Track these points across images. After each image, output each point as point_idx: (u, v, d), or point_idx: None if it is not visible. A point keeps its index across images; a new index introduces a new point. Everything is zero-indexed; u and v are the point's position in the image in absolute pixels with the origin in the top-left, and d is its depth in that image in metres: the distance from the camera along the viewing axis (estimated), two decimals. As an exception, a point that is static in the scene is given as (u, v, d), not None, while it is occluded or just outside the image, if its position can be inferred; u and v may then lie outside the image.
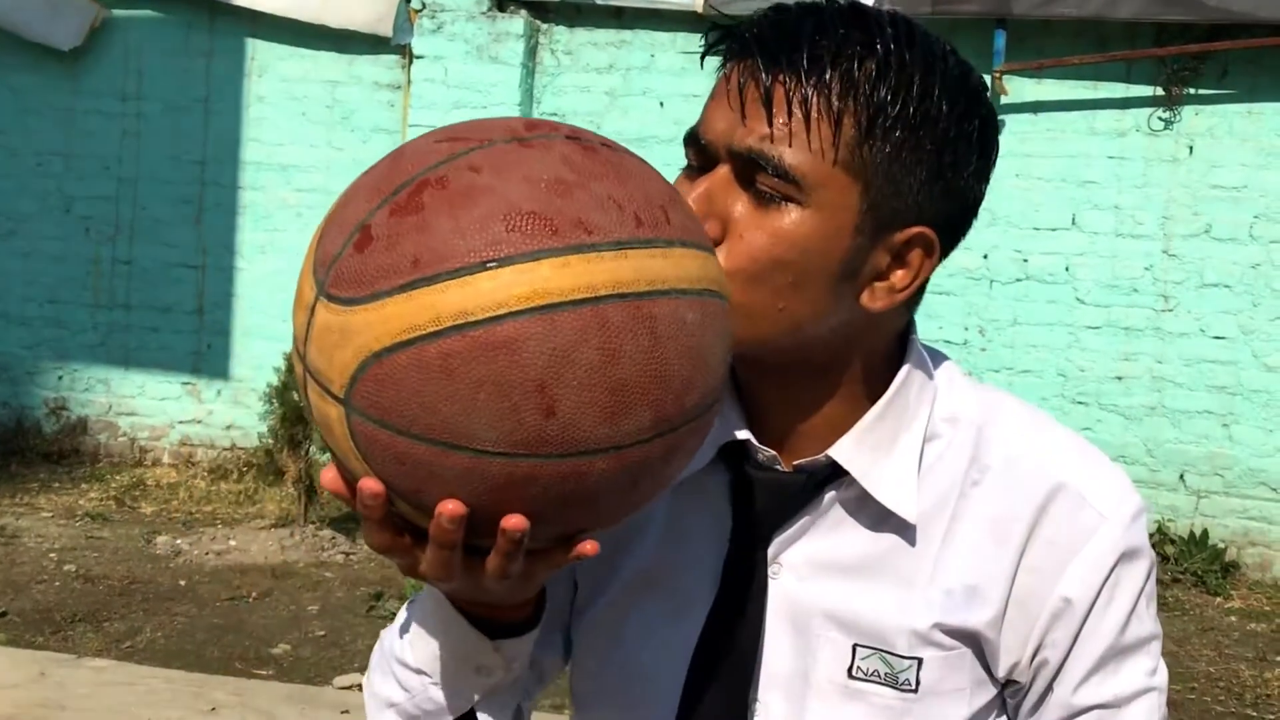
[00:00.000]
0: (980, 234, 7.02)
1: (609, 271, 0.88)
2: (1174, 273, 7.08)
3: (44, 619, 5.40)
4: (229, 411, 8.12)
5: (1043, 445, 1.19)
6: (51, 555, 6.26)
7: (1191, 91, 7.04)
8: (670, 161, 7.39)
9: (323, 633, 5.42)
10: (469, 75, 7.57)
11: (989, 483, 1.17)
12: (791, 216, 1.06)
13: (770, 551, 1.18)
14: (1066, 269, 7.18)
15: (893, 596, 1.16)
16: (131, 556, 6.32)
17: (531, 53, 7.66)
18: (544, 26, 7.70)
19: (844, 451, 1.15)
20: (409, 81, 7.73)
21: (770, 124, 1.06)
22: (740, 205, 1.07)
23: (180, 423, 8.20)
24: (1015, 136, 7.15)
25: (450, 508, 0.89)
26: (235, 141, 8.05)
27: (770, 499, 1.18)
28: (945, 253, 1.14)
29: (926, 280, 1.14)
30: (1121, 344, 7.14)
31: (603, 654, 1.26)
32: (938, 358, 1.23)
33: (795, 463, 1.17)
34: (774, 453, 1.17)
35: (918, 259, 1.12)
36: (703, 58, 1.16)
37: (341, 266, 0.90)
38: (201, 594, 5.84)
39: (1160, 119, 7.09)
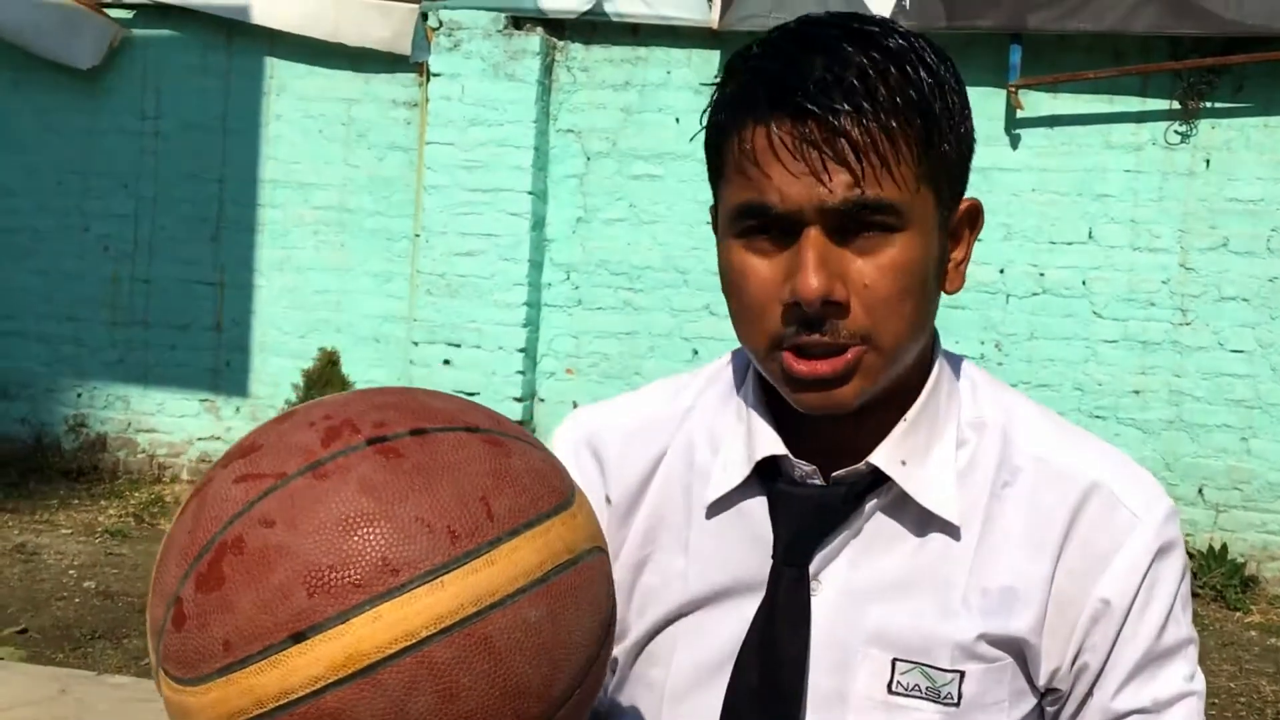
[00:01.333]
0: (996, 248, 7.02)
1: (425, 610, 0.84)
2: (1191, 286, 7.06)
3: (64, 636, 5.42)
4: (247, 428, 8.10)
5: (1070, 445, 1.19)
6: (71, 572, 6.29)
7: (1208, 105, 7.03)
8: (685, 178, 7.39)
9: (341, 649, 5.43)
10: (485, 93, 7.60)
11: (1020, 484, 1.17)
12: (898, 245, 1.07)
13: (811, 568, 1.17)
14: (1083, 283, 7.17)
15: (934, 606, 1.15)
16: (150, 573, 6.33)
17: (548, 70, 7.68)
18: (560, 44, 7.73)
19: (883, 458, 1.15)
20: (426, 99, 7.76)
21: (858, 171, 1.05)
22: (847, 259, 1.07)
23: (199, 439, 8.23)
24: (1031, 151, 7.15)
25: None
26: (253, 160, 8.09)
27: (810, 515, 1.17)
28: None
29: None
30: (1139, 358, 7.12)
31: (641, 676, 1.25)
32: (955, 360, 1.24)
33: (834, 474, 1.16)
34: (814, 467, 1.16)
35: (966, 229, 1.16)
36: (711, 148, 1.14)
37: (168, 642, 0.88)
38: (220, 610, 5.85)
39: (1177, 132, 7.08)
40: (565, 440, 1.31)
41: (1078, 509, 1.15)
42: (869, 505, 1.16)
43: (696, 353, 7.46)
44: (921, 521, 1.16)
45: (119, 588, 6.07)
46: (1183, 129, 7.06)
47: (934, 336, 1.20)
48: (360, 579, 0.84)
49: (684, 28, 7.49)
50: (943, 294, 1.16)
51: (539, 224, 7.68)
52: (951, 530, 1.15)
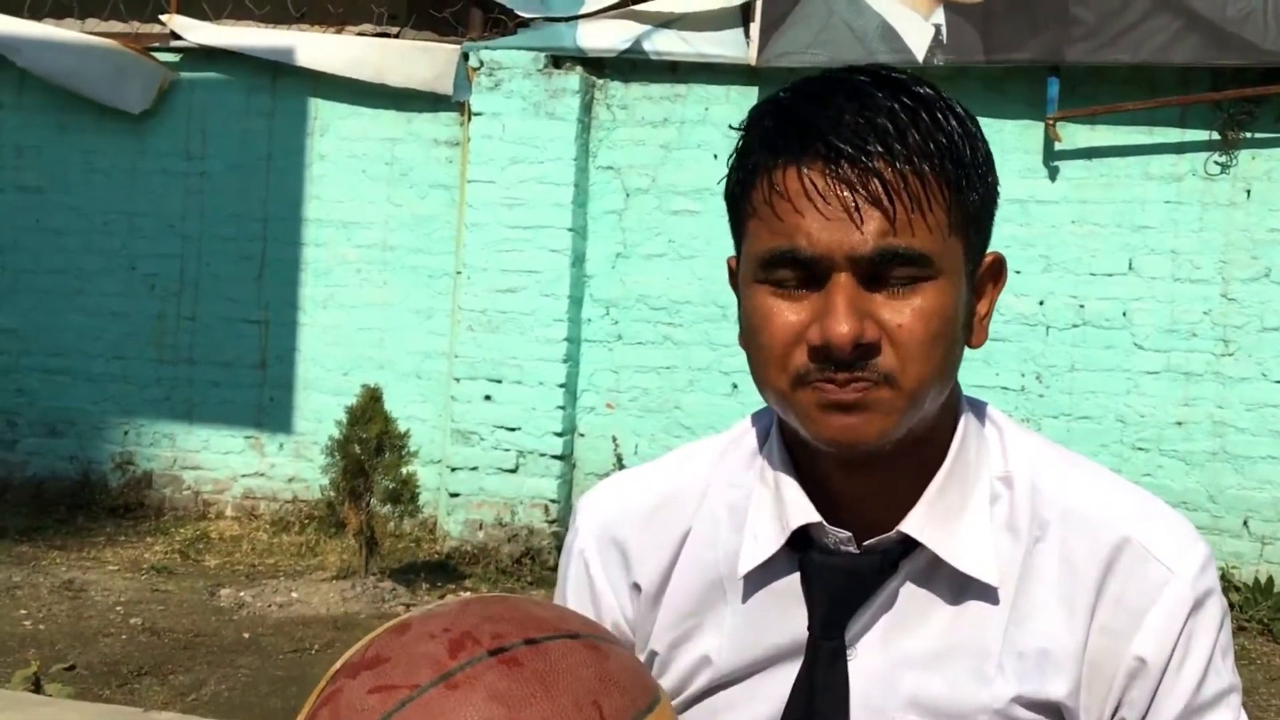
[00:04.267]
0: (1036, 280, 7.01)
1: None
2: (1234, 317, 7.03)
3: (111, 672, 5.47)
4: (291, 464, 8.21)
5: (1099, 493, 1.18)
6: (118, 608, 6.34)
7: (1248, 135, 7.02)
8: (724, 213, 7.47)
9: (384, 684, 5.44)
10: (526, 131, 7.67)
11: (1051, 538, 1.15)
12: (929, 292, 1.07)
13: (847, 637, 1.16)
14: (1124, 314, 7.14)
15: (970, 672, 1.14)
16: (196, 609, 6.39)
17: (587, 108, 7.75)
18: (599, 82, 7.79)
19: (915, 525, 1.14)
20: (467, 138, 7.84)
21: (892, 218, 1.05)
22: (879, 303, 1.07)
23: (243, 476, 8.30)
24: (1070, 183, 7.15)
25: None
26: (297, 199, 8.19)
27: (844, 583, 1.15)
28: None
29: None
30: (1181, 389, 7.09)
31: None
32: (979, 407, 1.22)
33: (866, 543, 1.14)
34: (849, 534, 1.15)
35: (990, 283, 1.16)
36: (738, 189, 1.14)
37: None
38: (265, 646, 5.89)
39: (1216, 163, 7.06)
40: (587, 532, 1.30)
41: (1109, 565, 1.14)
42: (903, 572, 1.15)
43: (736, 386, 7.47)
44: (956, 584, 1.15)
45: (165, 624, 6.12)
46: (1222, 159, 7.05)
47: (957, 392, 1.18)
48: None
49: (722, 65, 7.54)
50: (966, 347, 1.15)
51: (579, 260, 7.73)
52: (987, 592, 1.14)
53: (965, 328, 1.12)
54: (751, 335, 1.13)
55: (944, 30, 7.06)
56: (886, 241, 1.04)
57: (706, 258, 7.58)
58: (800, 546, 1.17)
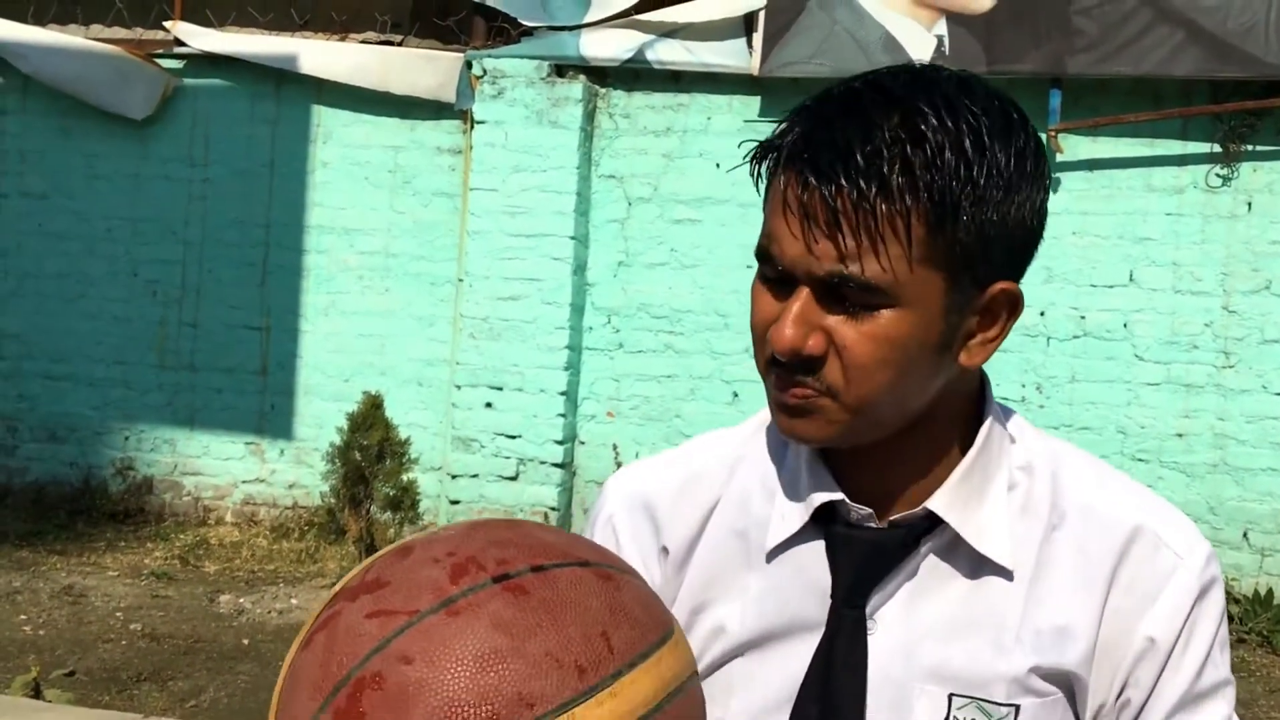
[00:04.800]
0: (1037, 290, 7.01)
1: None
2: (1235, 329, 7.03)
3: (110, 678, 5.47)
4: (291, 471, 8.22)
5: (1115, 490, 1.22)
6: (118, 614, 6.35)
7: (1249, 148, 7.02)
8: (726, 222, 7.41)
9: (384, 691, 5.44)
10: (529, 139, 7.68)
11: (1068, 527, 1.20)
12: (886, 318, 1.09)
13: (868, 609, 1.19)
14: (1125, 325, 7.15)
15: (988, 644, 1.17)
16: (196, 615, 6.39)
17: (590, 116, 7.76)
18: (602, 91, 7.81)
19: (941, 503, 1.17)
20: (470, 146, 7.85)
21: (844, 247, 1.06)
22: (833, 318, 1.10)
23: (244, 482, 8.30)
24: (1071, 194, 7.16)
25: None
26: (299, 206, 8.20)
27: (869, 557, 1.19)
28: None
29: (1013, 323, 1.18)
30: (1182, 401, 7.09)
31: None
32: (1006, 412, 1.26)
33: (892, 518, 1.18)
34: (870, 510, 1.18)
35: (1003, 310, 1.15)
36: (755, 178, 1.16)
37: None
38: (264, 653, 5.89)
39: (1218, 175, 7.07)
40: (616, 499, 1.32)
41: (1123, 551, 1.18)
42: (924, 548, 1.19)
43: (737, 395, 7.48)
44: (975, 563, 1.19)
45: (165, 630, 6.13)
46: (1224, 172, 7.06)
47: (984, 386, 1.23)
48: (498, 713, 0.87)
49: (725, 74, 7.55)
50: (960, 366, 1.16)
51: (580, 268, 7.74)
52: (1004, 573, 1.18)
53: (942, 349, 1.13)
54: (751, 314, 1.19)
55: (946, 41, 7.07)
56: (837, 267, 1.07)
57: (708, 267, 7.59)
58: (824, 521, 1.21)
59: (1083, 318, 7.19)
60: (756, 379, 1.23)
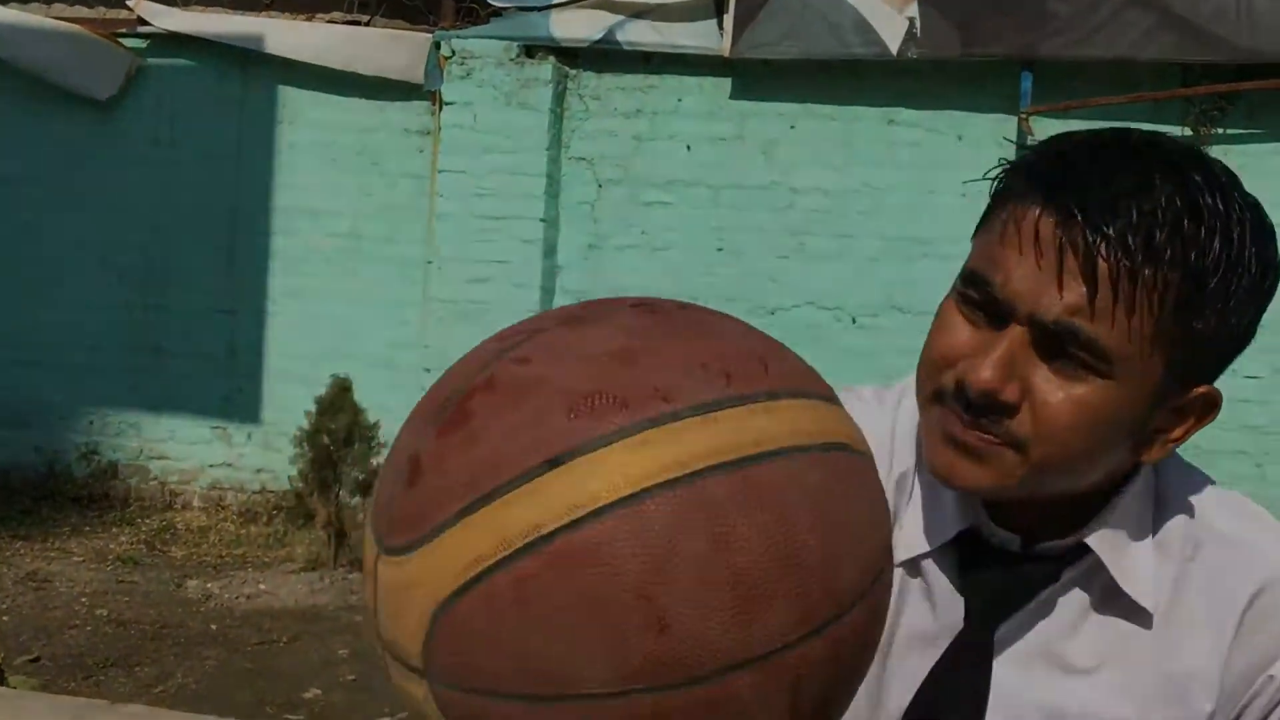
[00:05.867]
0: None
1: (700, 441, 0.74)
2: (1204, 313, 7.05)
3: (76, 664, 5.42)
4: (259, 455, 8.16)
5: (1250, 534, 1.17)
6: (83, 599, 6.29)
7: (1220, 131, 7.04)
8: (696, 205, 7.36)
9: (353, 677, 5.42)
10: (498, 121, 7.63)
11: (1201, 559, 1.15)
12: (1093, 386, 1.02)
13: (996, 636, 1.15)
14: (1096, 309, 7.16)
15: (1114, 687, 1.14)
16: (162, 600, 6.34)
17: (560, 98, 7.71)
18: (572, 72, 7.76)
19: (1096, 538, 1.12)
20: (439, 127, 7.79)
21: (1091, 299, 0.99)
22: (1040, 371, 1.03)
23: (210, 466, 8.24)
24: (1043, 177, 7.16)
25: None
26: (267, 188, 8.13)
27: (1007, 583, 1.14)
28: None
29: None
30: (1152, 384, 7.11)
31: None
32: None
33: (1040, 546, 1.14)
34: (1016, 537, 1.14)
35: (1194, 414, 1.10)
36: (995, 198, 1.08)
37: (395, 510, 0.77)
38: (232, 638, 5.85)
39: (1188, 159, 7.08)
40: None
41: (1255, 596, 1.13)
42: (1064, 579, 1.14)
43: (708, 379, 7.46)
44: (1112, 600, 1.14)
45: (131, 615, 6.07)
46: (1194, 155, 7.06)
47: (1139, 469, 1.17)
48: (627, 401, 0.74)
49: (695, 56, 7.51)
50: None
51: (550, 251, 7.70)
52: (1141, 614, 1.13)
53: (1132, 436, 1.07)
54: (929, 333, 1.10)
55: (918, 23, 7.05)
56: (1073, 319, 1.00)
57: (679, 249, 7.56)
58: (966, 543, 1.16)
59: (1053, 301, 7.20)
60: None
